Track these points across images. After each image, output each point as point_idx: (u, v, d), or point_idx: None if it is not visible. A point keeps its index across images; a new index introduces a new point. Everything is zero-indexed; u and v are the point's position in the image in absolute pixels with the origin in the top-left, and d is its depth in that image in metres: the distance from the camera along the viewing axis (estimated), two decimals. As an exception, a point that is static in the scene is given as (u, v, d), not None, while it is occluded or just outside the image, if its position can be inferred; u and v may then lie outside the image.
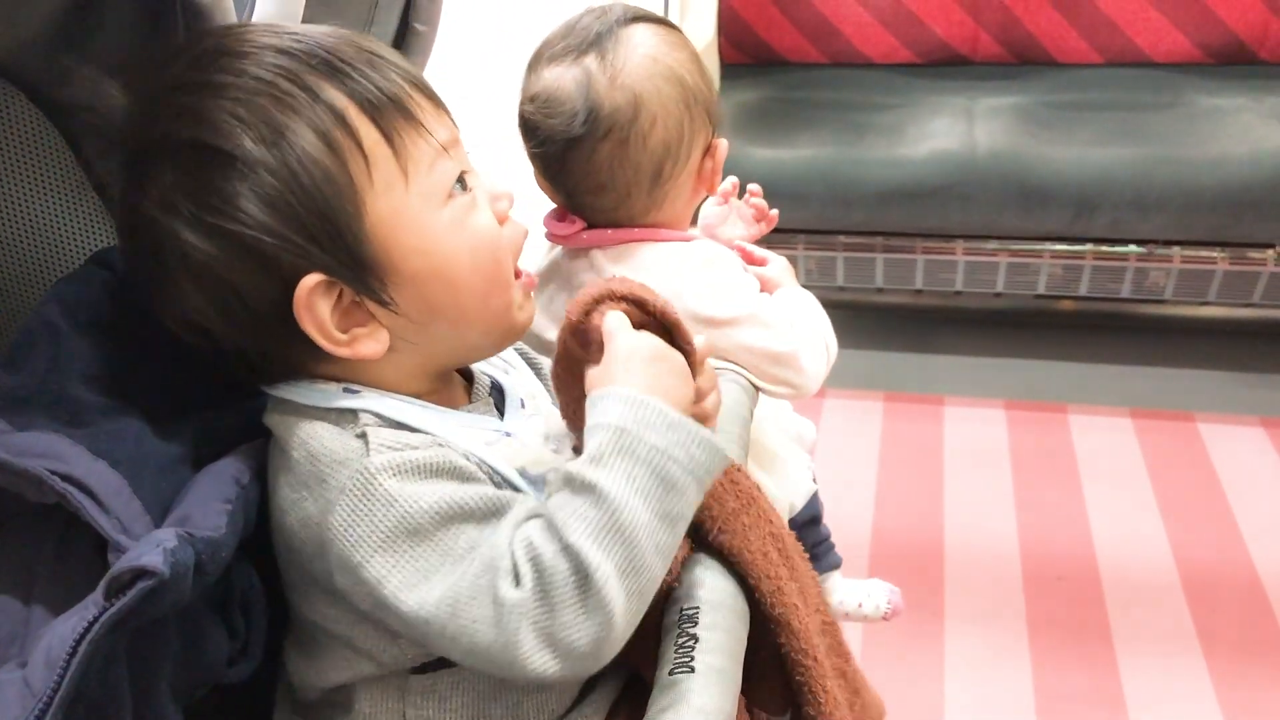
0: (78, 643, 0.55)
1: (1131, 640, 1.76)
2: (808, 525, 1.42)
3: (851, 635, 1.75)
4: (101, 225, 0.85)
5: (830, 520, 1.48)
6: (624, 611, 0.60)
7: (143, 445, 0.68)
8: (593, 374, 0.68)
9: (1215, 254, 2.33)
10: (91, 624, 0.55)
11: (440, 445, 0.67)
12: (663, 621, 0.68)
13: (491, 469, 0.69)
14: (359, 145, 0.66)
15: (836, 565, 1.53)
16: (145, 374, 0.73)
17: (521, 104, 1.02)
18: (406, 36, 1.19)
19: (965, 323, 2.68)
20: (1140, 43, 2.58)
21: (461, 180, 0.71)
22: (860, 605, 1.59)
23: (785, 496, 1.29)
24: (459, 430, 0.70)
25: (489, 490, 0.65)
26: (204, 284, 0.66)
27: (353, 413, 0.67)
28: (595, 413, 0.65)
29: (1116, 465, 2.18)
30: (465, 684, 0.70)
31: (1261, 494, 2.08)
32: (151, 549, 0.57)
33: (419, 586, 0.61)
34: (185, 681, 0.66)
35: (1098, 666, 1.72)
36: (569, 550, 0.60)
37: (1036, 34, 2.64)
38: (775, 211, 1.24)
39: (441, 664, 0.69)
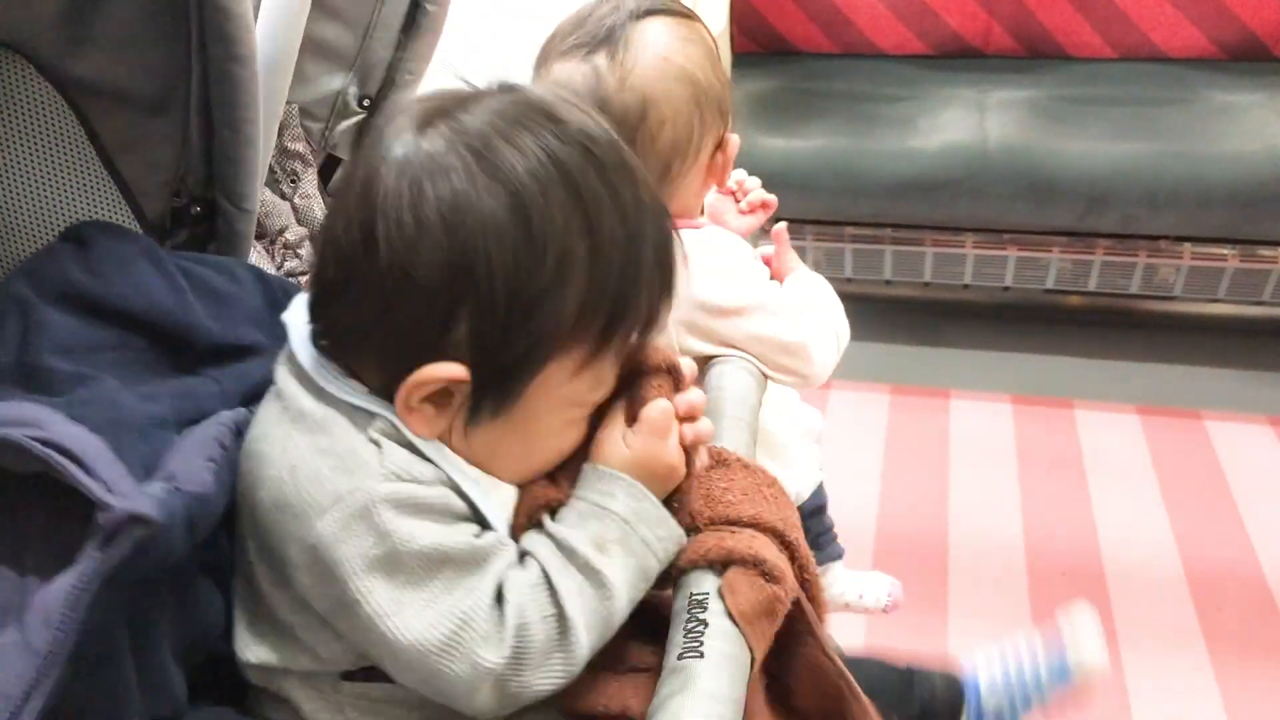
0: (74, 595, 0.55)
1: (1135, 636, 1.76)
2: (813, 515, 1.42)
3: (854, 628, 1.75)
4: (108, 198, 0.84)
5: (834, 512, 1.48)
6: (579, 670, 0.65)
7: (119, 410, 0.68)
8: (608, 439, 0.70)
9: (1226, 251, 2.32)
10: (86, 575, 0.55)
11: (444, 484, 0.66)
12: (672, 607, 0.68)
13: (483, 517, 0.68)
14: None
15: (838, 556, 1.53)
16: (115, 345, 0.73)
17: None
18: (417, 16, 1.19)
19: (973, 316, 2.68)
20: (1154, 37, 2.57)
21: None
22: (861, 597, 1.59)
23: (791, 486, 1.29)
24: (464, 469, 0.69)
25: (474, 540, 0.65)
26: (372, 286, 0.63)
27: (369, 414, 0.66)
28: (599, 489, 0.68)
29: (1123, 462, 2.18)
30: (398, 696, 0.70)
31: (1268, 493, 2.07)
32: (140, 498, 0.57)
33: (393, 616, 0.62)
34: (184, 644, 0.66)
35: (1101, 662, 1.71)
36: (561, 619, 0.64)
37: (1050, 27, 2.62)
38: (773, 196, 1.21)
39: (373, 673, 0.68)
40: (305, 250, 1.17)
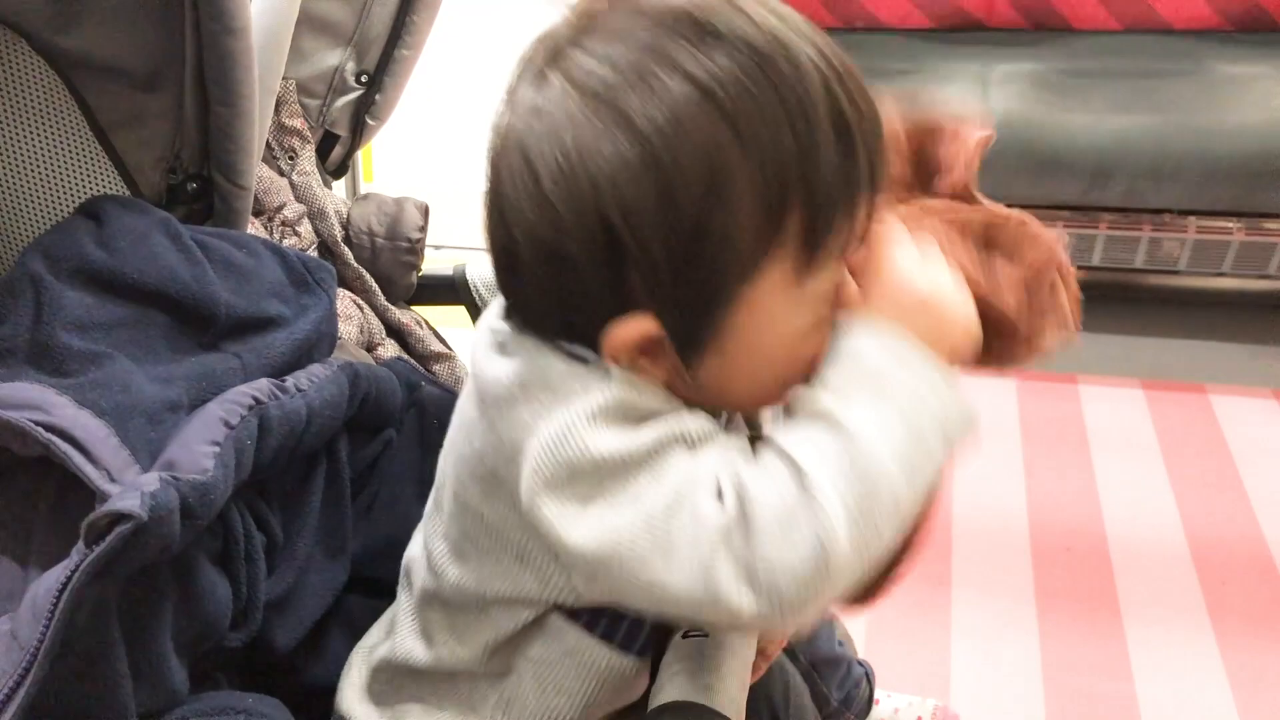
0: (60, 592, 0.54)
1: (1139, 611, 1.76)
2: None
3: (859, 603, 1.74)
4: (104, 174, 0.83)
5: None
6: (845, 549, 0.53)
7: (130, 393, 0.66)
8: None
9: (1231, 224, 2.31)
10: (74, 573, 0.54)
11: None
12: None
13: None
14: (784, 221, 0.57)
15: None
16: (133, 321, 0.72)
17: None
18: (418, -12, 1.17)
19: (976, 292, 2.66)
20: (1159, 8, 2.54)
21: None
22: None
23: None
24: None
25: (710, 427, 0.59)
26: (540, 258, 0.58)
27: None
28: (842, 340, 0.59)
29: (1127, 436, 2.17)
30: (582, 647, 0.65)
31: (1273, 466, 2.07)
32: (130, 493, 0.56)
33: (617, 511, 0.55)
34: (188, 635, 0.65)
35: (1105, 637, 1.71)
36: (784, 455, 0.55)
37: (1053, -1, 2.60)
38: None
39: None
40: (304, 227, 1.16)
